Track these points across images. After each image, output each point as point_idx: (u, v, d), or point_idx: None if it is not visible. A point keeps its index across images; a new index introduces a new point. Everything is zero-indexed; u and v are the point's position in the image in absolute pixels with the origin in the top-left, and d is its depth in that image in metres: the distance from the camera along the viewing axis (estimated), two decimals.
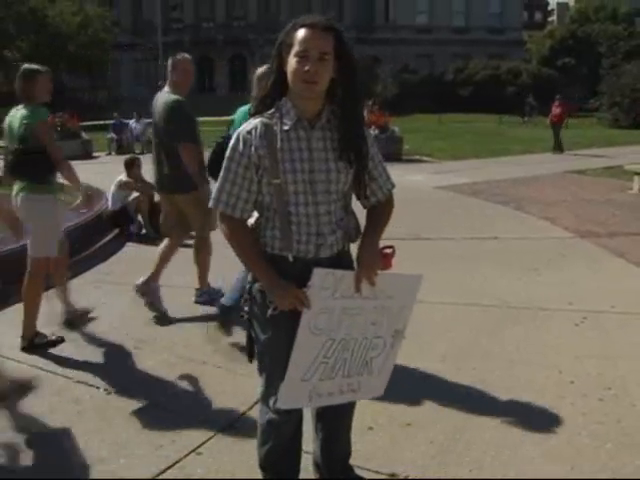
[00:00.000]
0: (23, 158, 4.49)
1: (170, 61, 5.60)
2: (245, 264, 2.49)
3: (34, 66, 4.77)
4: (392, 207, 2.59)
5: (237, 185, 2.35)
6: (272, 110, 2.37)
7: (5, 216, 4.15)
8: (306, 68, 2.24)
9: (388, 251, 2.51)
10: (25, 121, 4.51)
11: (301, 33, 2.27)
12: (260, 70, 4.53)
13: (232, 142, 2.37)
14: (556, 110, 20.63)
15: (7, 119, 4.69)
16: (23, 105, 4.61)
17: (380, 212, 2.56)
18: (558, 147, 19.90)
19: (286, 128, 2.33)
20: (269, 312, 2.39)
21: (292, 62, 2.27)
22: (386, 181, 2.56)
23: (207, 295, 5.61)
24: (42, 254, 4.66)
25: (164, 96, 5.44)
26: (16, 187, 4.60)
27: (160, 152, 5.41)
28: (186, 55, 5.74)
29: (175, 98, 5.32)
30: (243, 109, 4.89)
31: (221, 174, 2.38)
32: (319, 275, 2.35)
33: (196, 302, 5.61)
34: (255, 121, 2.36)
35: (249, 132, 2.34)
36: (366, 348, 2.53)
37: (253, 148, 2.31)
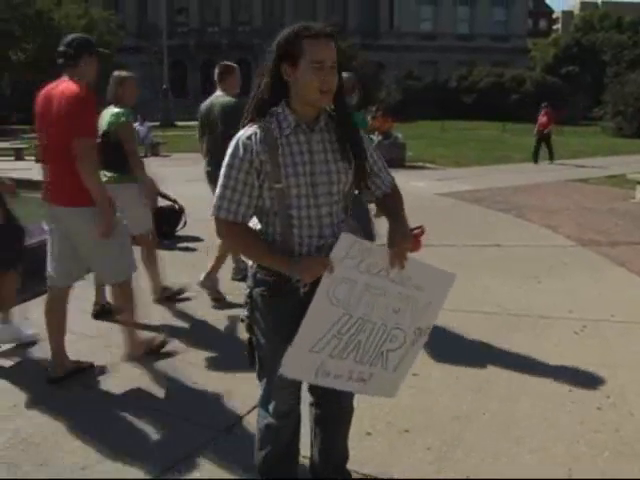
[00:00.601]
0: (106, 150, 4.85)
1: (219, 68, 6.13)
2: (256, 261, 2.47)
3: (124, 73, 5.57)
4: (401, 195, 2.61)
5: (238, 192, 2.35)
6: (267, 117, 2.38)
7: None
8: (324, 78, 2.27)
9: (417, 232, 2.49)
10: (112, 119, 5.23)
11: (313, 44, 2.27)
12: None
13: (231, 149, 2.36)
14: (542, 119, 20.17)
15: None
16: (113, 105, 5.37)
17: (395, 198, 2.59)
18: (549, 155, 19.51)
19: (286, 133, 2.34)
20: (302, 290, 2.34)
21: (306, 72, 2.27)
22: (387, 175, 2.60)
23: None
24: (141, 232, 5.48)
25: (220, 99, 5.93)
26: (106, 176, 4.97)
27: (217, 152, 5.56)
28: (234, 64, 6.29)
29: (234, 100, 5.86)
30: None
31: (220, 181, 2.37)
32: (345, 241, 2.29)
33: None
34: (254, 127, 2.36)
35: (249, 138, 2.34)
36: (383, 337, 2.44)
37: (254, 153, 2.31)
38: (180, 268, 6.90)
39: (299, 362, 2.38)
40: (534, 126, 20.50)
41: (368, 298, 2.36)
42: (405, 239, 2.38)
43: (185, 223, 8.42)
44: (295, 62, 2.29)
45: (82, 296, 5.88)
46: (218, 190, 2.38)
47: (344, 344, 2.39)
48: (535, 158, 19.33)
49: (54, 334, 4.23)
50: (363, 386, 2.51)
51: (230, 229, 2.40)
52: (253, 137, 2.33)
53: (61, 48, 4.09)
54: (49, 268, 4.23)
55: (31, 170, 16.48)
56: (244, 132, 2.37)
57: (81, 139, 3.83)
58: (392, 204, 2.56)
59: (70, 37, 4.17)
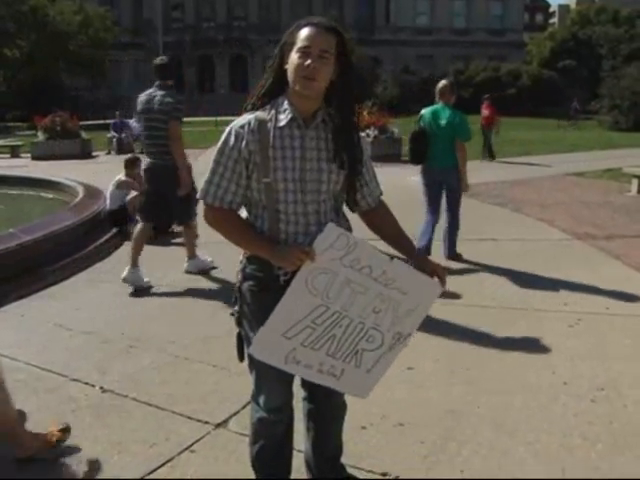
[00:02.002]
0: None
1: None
2: (241, 247, 2.46)
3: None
4: (392, 213, 2.63)
5: (226, 178, 2.36)
6: (267, 106, 2.39)
7: None
8: (306, 63, 2.25)
9: None
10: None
11: (304, 31, 2.29)
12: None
13: (224, 136, 2.38)
14: (485, 112, 18.89)
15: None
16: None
17: (386, 212, 2.61)
18: (488, 153, 18.02)
19: (280, 125, 2.34)
20: (282, 279, 2.35)
21: (293, 58, 2.29)
22: (376, 187, 2.59)
23: None
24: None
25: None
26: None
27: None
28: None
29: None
30: (430, 108, 7.06)
31: (210, 167, 2.39)
32: (330, 232, 2.28)
33: None
34: (249, 116, 2.37)
35: (242, 127, 2.35)
36: (360, 335, 2.41)
37: (244, 142, 2.32)
38: (174, 263, 6.90)
39: (270, 345, 2.35)
40: (530, 120, 20.33)
41: (348, 293, 2.34)
42: (444, 271, 2.49)
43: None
44: (290, 50, 2.31)
45: (74, 295, 5.93)
46: (207, 175, 2.41)
47: (318, 335, 2.36)
48: (490, 154, 18.06)
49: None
50: (334, 381, 2.48)
51: (216, 214, 2.41)
52: (246, 126, 2.34)
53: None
54: None
55: (27, 167, 16.54)
56: (239, 120, 2.38)
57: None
58: (390, 218, 2.60)
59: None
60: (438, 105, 7.07)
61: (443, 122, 6.87)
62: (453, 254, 7.03)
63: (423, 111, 7.13)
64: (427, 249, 6.75)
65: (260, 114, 2.36)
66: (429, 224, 7.00)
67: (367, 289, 2.36)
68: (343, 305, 2.35)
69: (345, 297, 2.34)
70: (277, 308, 2.30)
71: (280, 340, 2.34)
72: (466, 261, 6.97)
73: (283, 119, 2.35)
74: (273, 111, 2.37)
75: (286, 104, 2.36)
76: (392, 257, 2.39)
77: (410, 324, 2.49)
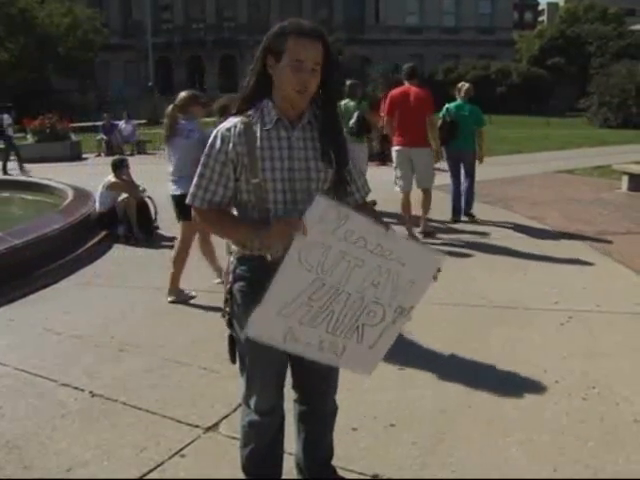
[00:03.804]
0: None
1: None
2: (233, 238, 2.44)
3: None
4: (376, 211, 2.63)
5: (213, 182, 2.36)
6: (252, 110, 2.38)
7: None
8: (300, 79, 2.26)
9: None
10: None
11: (295, 43, 2.27)
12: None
13: (210, 140, 2.38)
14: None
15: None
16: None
17: (372, 209, 2.64)
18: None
19: (267, 127, 2.34)
20: (269, 258, 2.31)
21: (285, 71, 2.28)
22: (364, 184, 2.60)
23: None
24: None
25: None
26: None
27: None
28: None
29: None
30: (454, 103, 9.17)
31: (198, 171, 2.39)
32: (320, 204, 2.21)
33: None
34: (235, 120, 2.37)
35: (228, 130, 2.35)
36: (360, 310, 2.34)
37: (231, 145, 2.32)
38: (163, 266, 6.88)
39: (266, 324, 2.29)
40: (520, 118, 20.37)
41: (344, 266, 2.27)
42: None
43: None
44: (278, 57, 2.30)
45: (63, 299, 5.90)
46: (195, 179, 2.40)
47: (315, 312, 2.30)
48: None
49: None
50: (335, 359, 2.41)
51: (205, 216, 2.43)
52: (232, 129, 2.34)
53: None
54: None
55: (17, 170, 16.47)
56: (225, 124, 2.39)
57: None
58: (372, 211, 2.62)
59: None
60: (460, 101, 9.20)
61: (466, 114, 9.01)
62: (469, 212, 9.18)
63: (448, 105, 9.18)
64: (458, 209, 9.17)
65: (246, 117, 2.36)
66: (456, 188, 9.23)
67: (364, 261, 2.29)
68: (340, 279, 2.29)
69: (341, 271, 2.28)
70: (271, 286, 2.23)
71: (277, 319, 2.27)
72: (477, 223, 8.89)
73: (269, 121, 2.35)
74: (259, 114, 2.37)
75: (272, 107, 2.36)
76: (387, 227, 2.34)
77: (412, 296, 2.40)
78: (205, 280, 6.00)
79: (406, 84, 8.31)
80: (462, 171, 9.23)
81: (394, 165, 8.12)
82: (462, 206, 9.16)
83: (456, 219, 9.06)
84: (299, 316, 2.29)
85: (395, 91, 8.41)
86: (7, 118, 17.71)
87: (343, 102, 9.10)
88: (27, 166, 16.81)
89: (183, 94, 6.00)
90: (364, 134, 9.14)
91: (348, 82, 9.63)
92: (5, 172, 16.48)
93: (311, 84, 2.29)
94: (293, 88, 2.28)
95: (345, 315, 2.34)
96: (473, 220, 9.04)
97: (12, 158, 19.65)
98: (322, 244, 2.23)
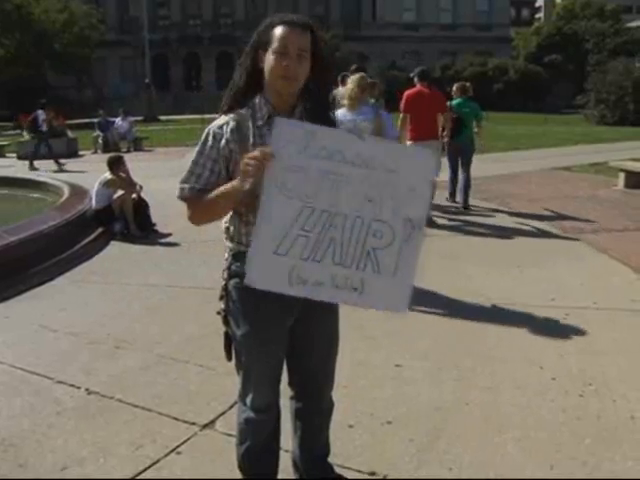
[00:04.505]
0: None
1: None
2: (220, 210, 2.37)
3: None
4: None
5: (203, 178, 2.35)
6: (244, 107, 2.37)
7: None
8: (285, 64, 2.25)
9: None
10: None
11: (279, 31, 2.28)
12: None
13: (202, 137, 2.38)
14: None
15: None
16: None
17: None
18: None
19: (259, 124, 2.33)
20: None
21: (270, 59, 2.28)
22: None
23: None
24: None
25: None
26: None
27: None
28: None
29: None
30: (456, 101, 10.00)
31: (188, 168, 2.38)
32: (281, 125, 2.11)
33: None
34: (226, 117, 2.36)
35: (220, 127, 2.34)
36: (363, 232, 2.16)
37: (224, 141, 2.32)
38: (159, 262, 6.88)
39: (266, 269, 2.13)
40: (517, 115, 20.40)
41: (328, 186, 2.13)
42: None
43: None
44: (266, 49, 2.30)
45: (59, 296, 5.89)
46: (184, 174, 2.39)
47: (314, 242, 2.13)
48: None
49: None
50: (358, 297, 2.19)
51: (190, 206, 2.39)
52: (225, 126, 2.34)
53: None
54: None
55: (14, 167, 16.43)
56: (217, 121, 2.38)
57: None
58: None
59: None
60: (460, 99, 10.12)
61: (468, 110, 9.98)
62: (467, 204, 9.86)
63: (449, 103, 9.81)
64: (453, 194, 10.32)
65: (238, 114, 2.35)
66: (454, 175, 10.24)
67: (348, 176, 2.14)
68: (329, 201, 2.14)
69: (327, 191, 2.13)
70: (257, 224, 2.12)
71: (275, 260, 2.13)
72: (473, 215, 9.34)
73: (261, 117, 2.34)
74: (250, 110, 2.36)
75: (263, 103, 2.35)
76: (361, 134, 2.23)
77: (417, 206, 2.19)
78: (209, 277, 5.99)
79: (418, 85, 9.08)
80: (459, 163, 10.15)
81: None
82: (457, 190, 10.27)
83: (453, 201, 10.23)
84: (298, 251, 2.14)
85: (410, 91, 9.05)
86: (42, 114, 17.98)
87: None
88: (62, 160, 17.00)
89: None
90: None
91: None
92: (32, 167, 16.52)
93: (297, 71, 2.27)
94: (278, 74, 2.26)
95: (349, 241, 2.16)
96: (467, 207, 9.83)
97: (8, 155, 19.60)
98: (297, 167, 2.11)
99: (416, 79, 9.13)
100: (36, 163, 16.56)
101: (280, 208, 2.12)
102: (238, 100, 2.39)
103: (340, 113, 5.87)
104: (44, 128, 17.78)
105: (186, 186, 2.37)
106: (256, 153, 2.14)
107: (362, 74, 6.42)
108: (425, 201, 2.22)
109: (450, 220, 8.98)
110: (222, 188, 2.29)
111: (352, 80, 6.21)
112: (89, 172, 12.75)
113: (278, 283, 2.16)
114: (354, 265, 2.17)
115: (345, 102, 6.07)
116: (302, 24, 2.30)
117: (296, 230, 2.13)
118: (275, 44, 2.27)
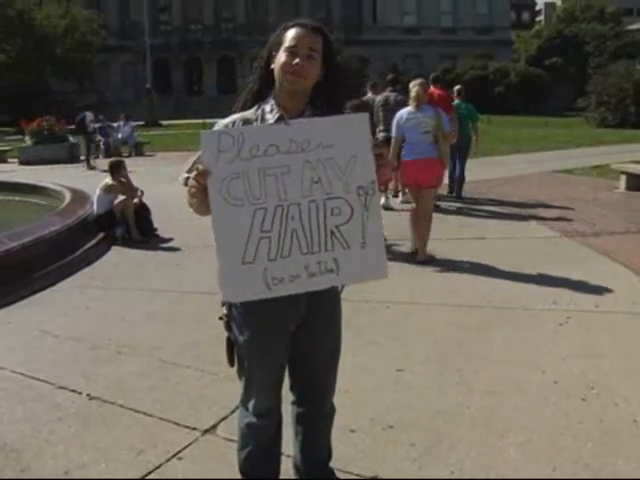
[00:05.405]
0: None
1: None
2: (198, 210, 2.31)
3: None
4: None
5: None
6: (254, 108, 2.38)
7: None
8: (295, 62, 2.26)
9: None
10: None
11: (291, 31, 2.32)
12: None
13: None
14: None
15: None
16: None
17: None
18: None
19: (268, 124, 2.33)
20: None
21: (281, 56, 2.30)
22: None
23: None
24: None
25: None
26: None
27: None
28: None
29: None
30: (455, 102, 10.76)
31: (195, 157, 2.38)
32: (208, 138, 2.12)
33: None
34: (235, 116, 2.37)
35: (226, 126, 2.34)
36: (322, 213, 2.18)
37: None
38: (161, 267, 6.88)
39: (239, 281, 2.16)
40: (518, 118, 20.41)
41: (272, 182, 2.14)
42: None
43: None
44: (278, 50, 2.33)
45: (61, 301, 5.89)
46: (191, 165, 2.38)
47: (277, 240, 2.15)
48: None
49: None
50: (336, 277, 2.22)
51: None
52: (231, 125, 2.34)
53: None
54: None
55: (15, 172, 16.45)
56: (225, 119, 2.39)
57: None
58: None
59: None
60: (458, 101, 11.04)
61: (464, 111, 10.92)
62: (460, 195, 10.99)
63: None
64: (452, 187, 11.28)
65: (246, 114, 2.37)
66: (453, 169, 11.12)
67: (288, 165, 2.15)
68: (278, 195, 2.15)
69: (273, 187, 2.14)
70: (216, 239, 2.13)
71: (245, 270, 2.14)
72: (468, 201, 10.53)
73: (270, 119, 2.34)
74: (259, 112, 2.36)
75: (273, 104, 2.36)
76: (286, 120, 2.24)
77: (364, 172, 2.20)
78: (211, 282, 5.98)
79: (431, 87, 9.60)
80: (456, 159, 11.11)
81: None
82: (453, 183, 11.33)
83: (451, 191, 11.24)
84: (265, 253, 2.15)
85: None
86: (89, 115, 18.99)
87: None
88: (97, 161, 17.71)
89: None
90: None
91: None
92: (90, 166, 17.37)
93: (306, 69, 2.28)
94: (287, 70, 2.27)
95: (310, 227, 2.18)
96: (460, 197, 10.98)
97: (10, 160, 19.64)
98: (236, 173, 2.11)
99: (430, 82, 9.76)
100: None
101: (233, 218, 2.13)
102: (251, 101, 2.41)
103: (406, 111, 7.02)
104: (91, 129, 18.67)
105: (186, 176, 2.39)
106: (194, 173, 2.15)
107: (422, 80, 7.31)
108: (370, 164, 2.22)
109: (450, 222, 8.96)
110: (187, 197, 2.27)
111: (415, 84, 7.10)
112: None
113: (256, 291, 2.18)
114: (322, 249, 2.20)
115: (411, 103, 7.08)
116: (313, 27, 2.34)
117: (256, 234, 2.14)
118: (286, 43, 2.30)
